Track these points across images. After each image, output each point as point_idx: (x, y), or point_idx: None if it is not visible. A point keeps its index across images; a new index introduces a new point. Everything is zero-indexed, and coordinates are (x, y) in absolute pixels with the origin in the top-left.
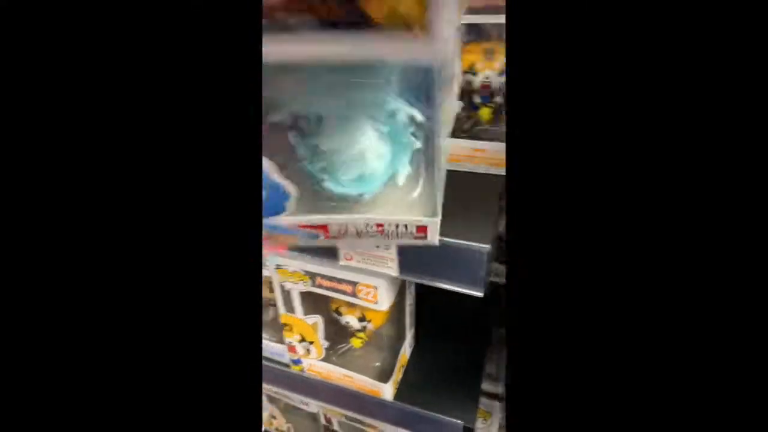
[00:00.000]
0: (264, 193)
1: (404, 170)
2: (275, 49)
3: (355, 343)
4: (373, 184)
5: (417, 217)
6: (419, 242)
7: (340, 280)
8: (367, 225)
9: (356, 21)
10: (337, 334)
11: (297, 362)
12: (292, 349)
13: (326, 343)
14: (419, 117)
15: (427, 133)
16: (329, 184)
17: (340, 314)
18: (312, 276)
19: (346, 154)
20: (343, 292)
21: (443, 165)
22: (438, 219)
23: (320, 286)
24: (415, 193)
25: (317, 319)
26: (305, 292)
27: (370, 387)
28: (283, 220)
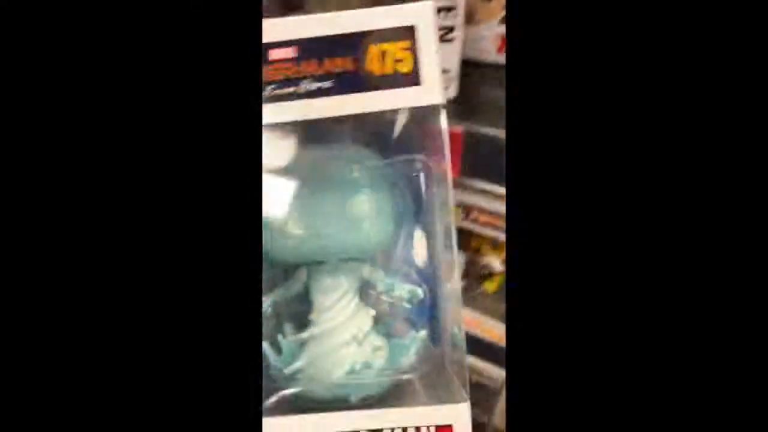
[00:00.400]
0: None
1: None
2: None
3: (489, 287)
4: (371, 381)
5: (437, 406)
6: None
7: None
8: None
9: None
10: (470, 275)
11: None
12: None
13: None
14: (420, 293)
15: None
16: (312, 387)
17: (480, 254)
18: (466, 209)
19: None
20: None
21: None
22: (467, 404)
23: (475, 221)
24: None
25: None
26: None
27: (498, 333)
28: None
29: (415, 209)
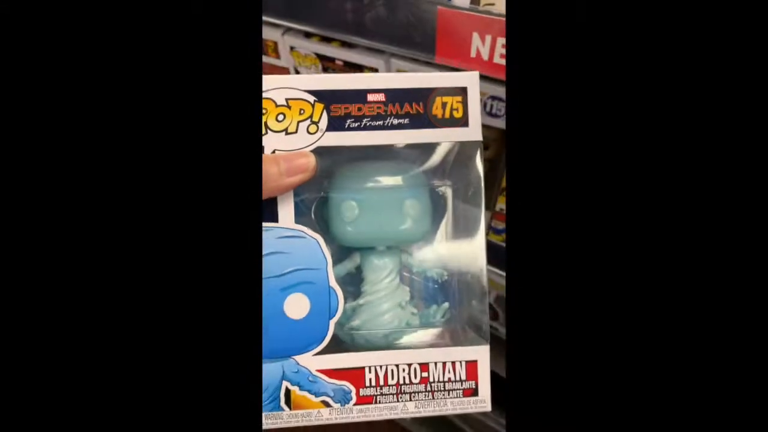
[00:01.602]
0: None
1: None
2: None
3: None
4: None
5: (465, 347)
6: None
7: None
8: (410, 369)
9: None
10: None
11: None
12: None
13: None
14: (445, 275)
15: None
16: (369, 338)
17: None
18: None
19: (384, 307)
20: None
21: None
22: (486, 346)
23: None
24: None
25: None
26: None
27: None
28: (304, 360)
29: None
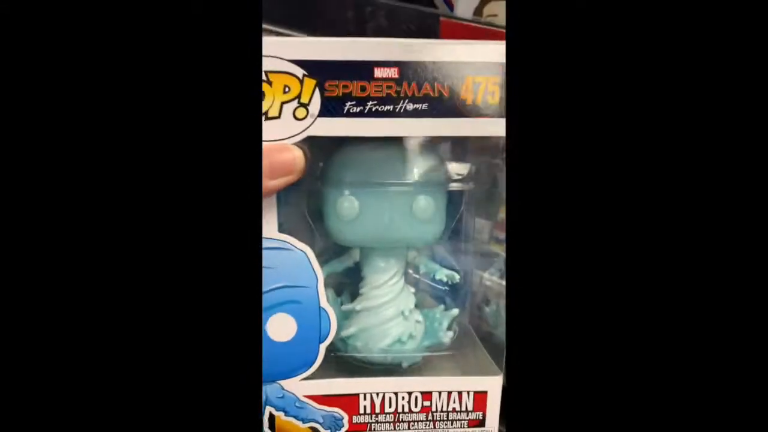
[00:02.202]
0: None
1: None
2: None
3: None
4: (414, 350)
5: (476, 377)
6: None
7: None
8: (411, 398)
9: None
10: None
11: None
12: None
13: None
14: (456, 277)
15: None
16: (367, 352)
17: None
18: None
19: (386, 315)
20: None
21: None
22: (500, 377)
23: None
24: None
25: None
26: None
27: None
28: (290, 385)
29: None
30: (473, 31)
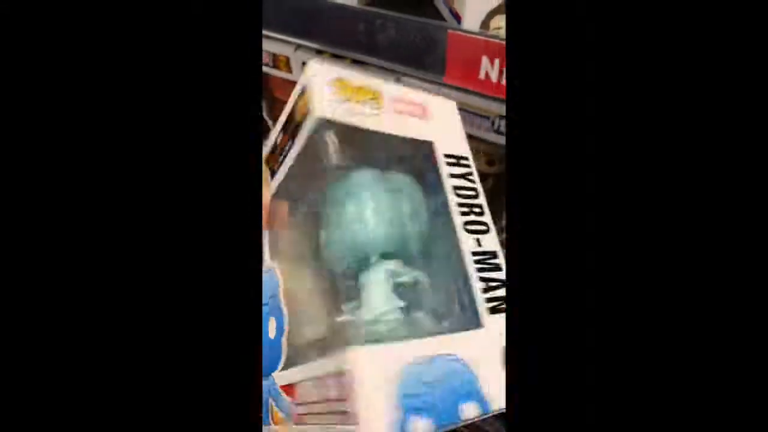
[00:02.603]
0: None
1: None
2: None
3: None
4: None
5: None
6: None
7: None
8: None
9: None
10: None
11: None
12: None
13: None
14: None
15: None
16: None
17: None
18: None
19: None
20: None
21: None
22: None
23: None
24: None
25: None
26: None
27: None
28: (276, 377)
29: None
30: (479, 43)
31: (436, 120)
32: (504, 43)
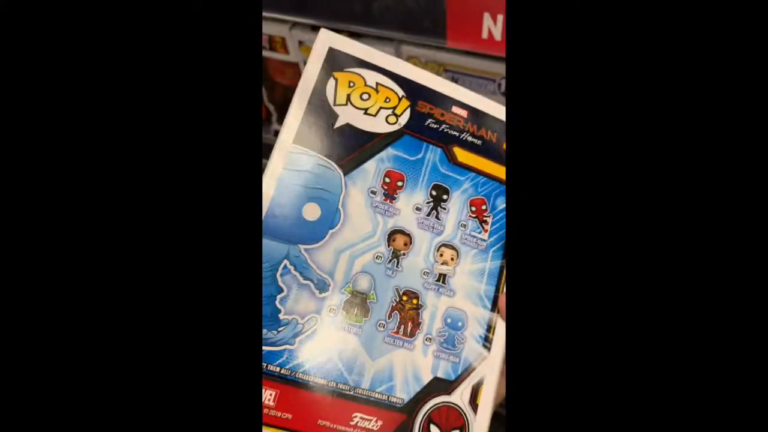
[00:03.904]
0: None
1: None
2: None
3: None
4: None
5: None
6: None
7: None
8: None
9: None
10: None
11: None
12: None
13: None
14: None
15: None
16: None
17: None
18: None
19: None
20: None
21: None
22: None
23: None
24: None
25: None
26: None
27: None
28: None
29: None
30: (478, 5)
31: None
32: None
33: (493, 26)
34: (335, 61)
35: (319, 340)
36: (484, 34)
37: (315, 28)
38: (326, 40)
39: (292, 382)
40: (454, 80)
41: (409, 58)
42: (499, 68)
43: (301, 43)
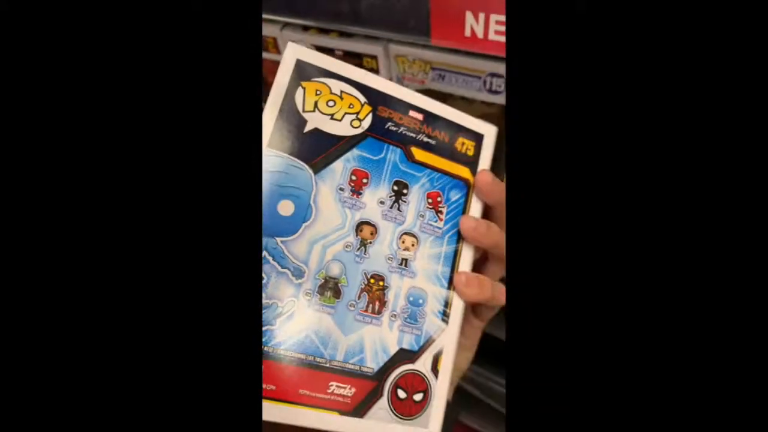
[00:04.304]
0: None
1: None
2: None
3: None
4: None
5: None
6: None
7: None
8: None
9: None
10: None
11: None
12: None
13: None
14: None
15: None
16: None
17: None
18: None
19: None
20: None
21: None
22: None
23: None
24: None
25: None
26: None
27: None
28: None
29: None
30: (460, 4)
31: None
32: None
33: (476, 24)
34: (303, 72)
35: (297, 321)
36: (467, 32)
37: (306, 28)
38: (294, 52)
39: (274, 358)
40: (441, 78)
41: (397, 57)
42: (485, 65)
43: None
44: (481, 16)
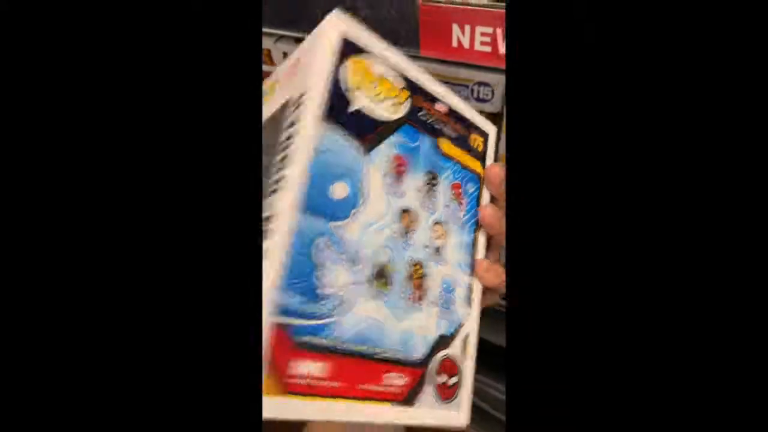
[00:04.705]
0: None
1: None
2: None
3: None
4: None
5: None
6: None
7: None
8: None
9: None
10: None
11: None
12: None
13: None
14: None
15: None
16: None
17: None
18: None
19: None
20: None
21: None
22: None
23: None
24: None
25: None
26: None
27: None
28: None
29: None
30: (449, 11)
31: None
32: (473, 9)
33: (462, 36)
34: (347, 46)
35: (357, 311)
36: (454, 43)
37: (299, 41)
38: (337, 23)
39: (338, 352)
40: None
41: None
42: (471, 75)
43: (285, 54)
44: (467, 28)
